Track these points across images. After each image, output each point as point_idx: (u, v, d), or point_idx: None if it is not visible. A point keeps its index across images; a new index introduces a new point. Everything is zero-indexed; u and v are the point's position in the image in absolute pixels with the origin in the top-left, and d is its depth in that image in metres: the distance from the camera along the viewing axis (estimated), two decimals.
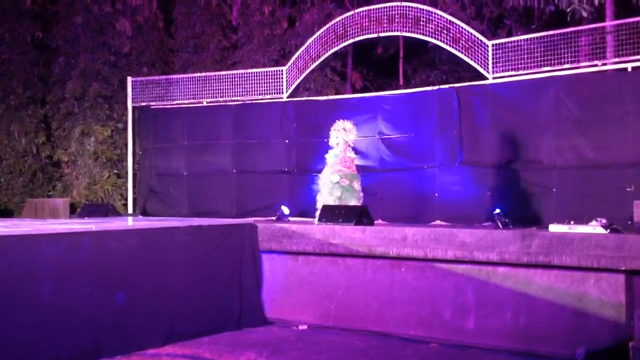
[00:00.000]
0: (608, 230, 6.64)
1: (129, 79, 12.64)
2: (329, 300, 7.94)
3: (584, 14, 8.85)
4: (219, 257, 7.51)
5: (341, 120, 9.58)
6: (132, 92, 12.51)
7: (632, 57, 8.59)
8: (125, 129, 12.76)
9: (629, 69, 8.68)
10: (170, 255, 6.99)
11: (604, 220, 6.85)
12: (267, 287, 8.16)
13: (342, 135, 9.42)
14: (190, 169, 12.00)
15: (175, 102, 12.24)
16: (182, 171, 12.06)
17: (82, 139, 13.13)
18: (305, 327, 7.75)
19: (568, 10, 8.90)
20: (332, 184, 9.14)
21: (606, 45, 8.99)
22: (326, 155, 9.51)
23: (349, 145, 9.46)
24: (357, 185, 9.30)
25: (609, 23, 9.23)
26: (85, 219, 9.90)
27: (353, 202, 9.06)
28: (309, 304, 8.04)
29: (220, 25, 14.43)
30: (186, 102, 12.15)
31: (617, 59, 8.81)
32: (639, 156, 8.33)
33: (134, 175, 12.63)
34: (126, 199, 12.74)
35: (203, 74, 12.36)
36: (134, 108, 12.55)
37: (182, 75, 12.59)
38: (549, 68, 9.23)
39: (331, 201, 9.00)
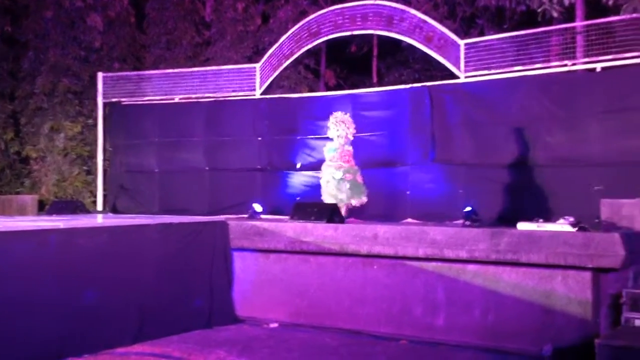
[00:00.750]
0: (576, 229, 6.71)
1: (100, 74, 12.48)
2: (300, 298, 7.92)
3: (555, 14, 8.95)
4: (189, 255, 7.44)
5: (339, 112, 9.38)
6: (103, 87, 12.36)
7: (601, 58, 8.71)
8: (96, 125, 12.61)
9: (598, 69, 8.79)
10: (139, 253, 6.91)
11: (571, 219, 6.92)
12: (238, 285, 8.11)
13: (342, 127, 9.18)
14: (161, 166, 11.91)
15: (146, 98, 12.12)
16: (153, 168, 11.96)
17: (51, 135, 12.96)
18: (276, 325, 7.73)
19: (539, 10, 9.00)
20: (337, 181, 8.92)
21: (576, 45, 9.10)
22: (325, 149, 9.31)
23: (348, 138, 9.24)
24: (360, 179, 9.13)
25: (579, 23, 9.35)
26: (53, 216, 9.75)
27: (362, 197, 8.96)
28: (280, 302, 8.01)
29: (193, 21, 14.37)
30: (158, 98, 12.05)
31: (586, 59, 8.92)
32: (607, 155, 8.45)
33: (104, 172, 12.48)
34: (96, 196, 12.60)
35: (175, 70, 12.27)
36: (104, 104, 12.40)
37: (154, 71, 12.48)
38: (520, 67, 9.32)
39: (341, 198, 8.79)
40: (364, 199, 9.02)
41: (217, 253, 7.82)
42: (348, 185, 8.84)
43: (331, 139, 9.33)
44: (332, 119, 9.26)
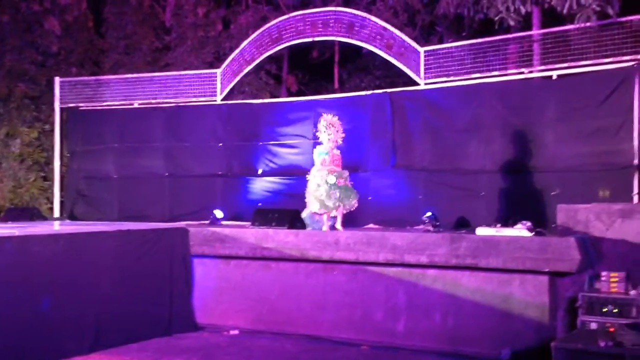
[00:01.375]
0: (533, 233, 6.82)
1: (57, 79, 12.25)
2: (261, 304, 7.89)
3: (512, 23, 9.09)
4: (148, 262, 7.36)
5: (328, 115, 9.01)
6: (60, 92, 12.12)
7: (557, 65, 8.88)
8: (53, 130, 12.36)
9: (554, 77, 8.96)
10: (97, 260, 6.81)
11: (529, 224, 7.02)
12: (198, 292, 8.04)
13: (332, 130, 8.81)
14: (120, 172, 11.75)
15: (105, 104, 11.96)
16: (112, 174, 11.79)
17: (7, 140, 12.69)
18: (236, 332, 7.68)
19: (496, 19, 9.13)
20: (329, 186, 8.47)
21: (533, 53, 9.26)
22: (315, 153, 8.90)
23: (337, 142, 8.86)
24: (350, 183, 8.77)
25: (535, 32, 9.52)
26: (8, 223, 9.53)
27: (353, 202, 8.62)
28: (240, 309, 7.96)
29: (152, 26, 14.23)
30: (117, 103, 11.89)
31: (543, 67, 9.08)
32: (563, 161, 8.61)
33: (61, 178, 12.24)
34: (53, 203, 12.35)
35: (134, 75, 12.13)
36: (62, 109, 12.17)
37: (113, 76, 12.33)
38: (478, 75, 9.44)
39: (332, 205, 8.41)
40: (355, 204, 8.68)
41: (177, 260, 7.75)
42: (338, 193, 8.46)
43: (320, 143, 8.95)
44: (322, 121, 8.93)
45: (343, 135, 8.95)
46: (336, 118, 8.99)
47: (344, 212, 8.65)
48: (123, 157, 11.73)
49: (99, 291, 6.78)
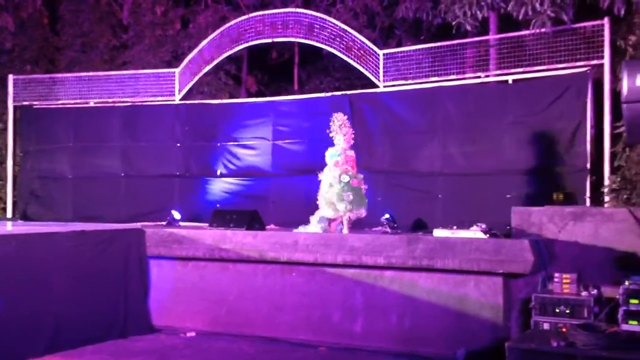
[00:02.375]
0: (487, 235, 6.92)
1: (11, 76, 12.00)
2: (218, 306, 7.84)
3: (468, 28, 9.22)
4: (103, 263, 7.24)
5: (340, 114, 8.62)
6: (14, 90, 11.89)
7: (513, 70, 9.05)
8: (6, 129, 12.09)
9: (510, 81, 9.12)
10: (50, 261, 6.67)
11: (484, 226, 7.13)
12: (154, 294, 7.94)
13: (345, 130, 8.42)
14: (75, 172, 11.55)
15: (60, 102, 11.75)
16: (66, 174, 11.59)
17: None
18: (193, 334, 7.61)
19: (454, 23, 9.25)
20: (342, 186, 8.05)
21: (489, 58, 9.42)
22: (327, 154, 8.47)
23: (350, 142, 8.49)
24: (364, 188, 8.36)
25: (492, 37, 9.67)
26: None
27: (361, 209, 8.18)
28: (198, 310, 7.90)
29: (109, 24, 13.99)
30: (72, 102, 11.70)
31: (499, 72, 9.24)
32: (518, 164, 8.76)
33: (14, 177, 11.98)
34: (5, 203, 12.08)
35: (91, 73, 11.95)
36: (15, 107, 11.93)
37: (68, 75, 12.11)
38: (436, 78, 9.56)
39: (344, 207, 7.99)
40: (363, 213, 8.23)
41: (133, 261, 7.65)
42: (352, 195, 8.03)
43: (333, 144, 8.51)
44: (335, 121, 8.53)
45: (353, 135, 8.60)
46: (345, 117, 8.62)
47: (353, 218, 8.21)
48: (78, 157, 11.54)
49: (52, 293, 6.64)
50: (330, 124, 8.60)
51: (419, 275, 6.87)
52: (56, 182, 11.63)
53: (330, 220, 8.31)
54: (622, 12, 7.74)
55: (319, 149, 10.28)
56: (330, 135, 8.60)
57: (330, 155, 8.46)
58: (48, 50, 13.95)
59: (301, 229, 8.32)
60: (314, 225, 8.28)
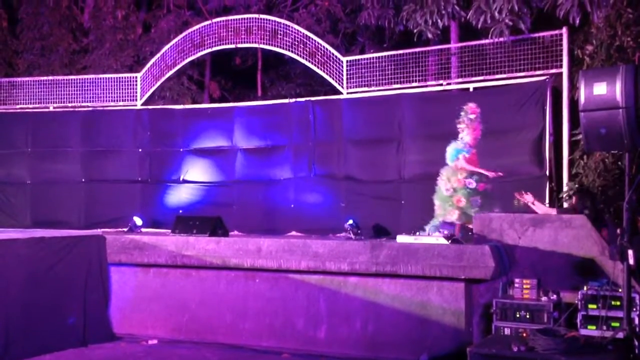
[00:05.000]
0: (449, 241, 6.98)
1: None
2: (181, 313, 7.77)
3: (430, 35, 9.33)
4: (62, 270, 7.11)
5: (472, 104, 7.93)
6: None
7: (474, 78, 9.17)
8: None
9: (471, 89, 9.24)
10: (7, 268, 6.53)
11: (446, 232, 7.21)
12: (115, 301, 7.83)
13: (475, 125, 7.77)
14: (34, 177, 11.33)
15: (18, 107, 11.54)
16: (24, 179, 11.36)
17: None
18: (155, 341, 7.52)
19: (415, 31, 9.35)
20: (469, 191, 7.47)
21: (451, 66, 9.53)
22: (449, 150, 7.83)
23: (476, 140, 7.79)
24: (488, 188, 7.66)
25: (453, 45, 9.80)
26: None
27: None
28: (160, 318, 7.81)
29: (70, 27, 13.79)
30: (31, 106, 11.49)
31: (460, 79, 9.37)
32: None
33: None
34: None
35: (50, 77, 11.76)
36: None
37: (27, 78, 11.90)
38: (398, 85, 9.64)
39: (469, 214, 7.31)
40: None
41: (93, 268, 7.53)
42: (480, 200, 7.42)
43: (457, 139, 7.78)
44: (466, 111, 7.85)
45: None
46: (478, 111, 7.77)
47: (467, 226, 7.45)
48: (37, 162, 11.33)
49: (9, 300, 6.50)
50: (462, 113, 7.74)
51: (383, 281, 6.91)
52: (14, 187, 11.40)
53: (454, 225, 7.63)
54: (577, 21, 7.88)
55: (282, 155, 10.33)
56: (459, 127, 7.76)
57: (455, 151, 7.70)
58: (7, 53, 13.70)
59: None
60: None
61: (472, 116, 8.02)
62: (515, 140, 8.67)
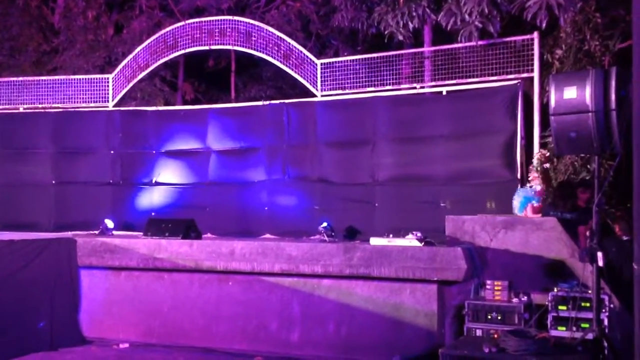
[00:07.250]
0: (422, 243, 7.03)
1: None
2: (153, 316, 7.70)
3: (400, 37, 9.38)
4: (31, 274, 7.02)
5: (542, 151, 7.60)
6: None
7: (446, 82, 9.23)
8: None
9: (444, 93, 9.31)
10: None
11: (419, 234, 7.23)
12: (86, 305, 7.75)
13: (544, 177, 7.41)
14: (3, 179, 11.12)
15: None
16: None
17: None
18: (126, 345, 7.45)
19: (386, 32, 9.40)
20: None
21: (424, 69, 9.59)
22: (520, 198, 7.39)
23: None
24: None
25: (426, 49, 9.86)
26: None
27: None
28: (131, 322, 7.74)
29: (40, 28, 13.64)
30: (0, 107, 11.29)
31: (433, 83, 9.41)
32: (452, 173, 8.93)
33: None
34: None
35: (20, 78, 11.58)
36: None
37: None
38: (372, 88, 9.67)
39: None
40: None
41: (63, 271, 7.45)
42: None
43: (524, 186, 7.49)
44: (537, 162, 7.53)
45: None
46: None
47: None
48: (6, 164, 11.11)
49: None
50: (534, 161, 7.45)
51: (356, 284, 6.93)
52: None
53: None
54: (544, 24, 7.95)
55: (256, 158, 10.29)
56: (530, 175, 7.54)
57: (524, 199, 7.31)
58: None
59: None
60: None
61: (547, 165, 7.74)
62: (487, 143, 8.74)
